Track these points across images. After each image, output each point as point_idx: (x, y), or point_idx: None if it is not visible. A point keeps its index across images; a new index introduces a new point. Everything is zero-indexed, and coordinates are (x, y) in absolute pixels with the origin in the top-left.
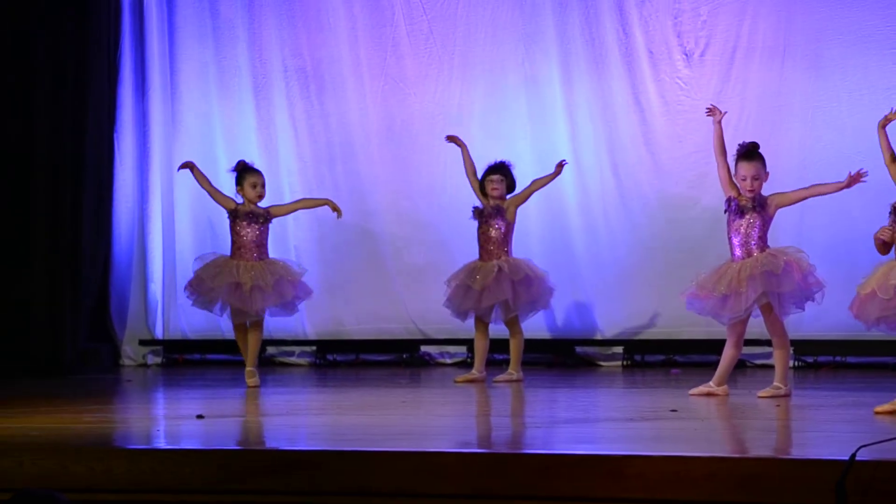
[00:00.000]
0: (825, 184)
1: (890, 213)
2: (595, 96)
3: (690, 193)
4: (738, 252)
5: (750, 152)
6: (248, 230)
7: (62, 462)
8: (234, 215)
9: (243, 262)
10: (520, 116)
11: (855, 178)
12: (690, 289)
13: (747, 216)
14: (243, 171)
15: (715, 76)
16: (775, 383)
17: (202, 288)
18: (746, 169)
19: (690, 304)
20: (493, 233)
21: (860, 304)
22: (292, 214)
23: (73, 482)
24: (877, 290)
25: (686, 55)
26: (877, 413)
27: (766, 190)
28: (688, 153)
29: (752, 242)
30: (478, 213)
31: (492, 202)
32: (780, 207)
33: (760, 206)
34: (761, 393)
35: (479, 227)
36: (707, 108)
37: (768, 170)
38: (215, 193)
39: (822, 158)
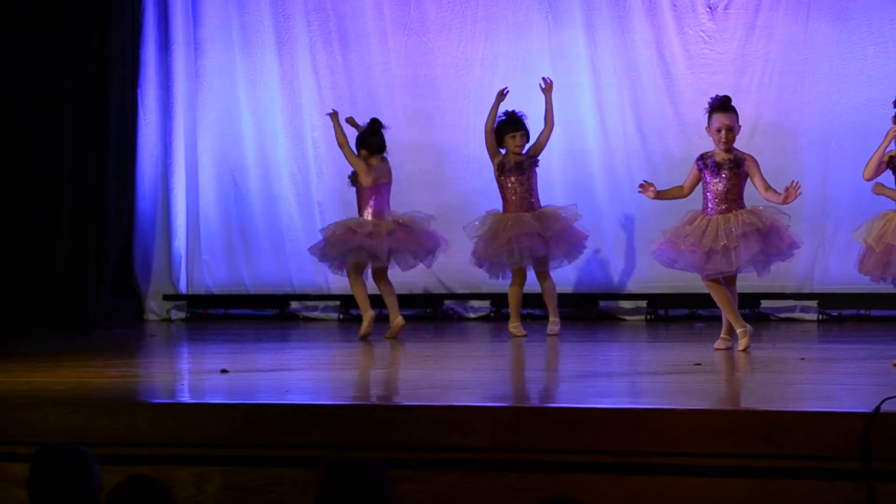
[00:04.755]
0: (775, 192)
1: None
2: (618, 50)
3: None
4: (710, 206)
5: (726, 103)
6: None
7: (87, 416)
8: (352, 179)
9: (365, 220)
10: (543, 70)
11: (790, 195)
12: (661, 243)
13: (724, 174)
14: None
15: (739, 29)
16: (724, 335)
17: (331, 254)
18: (722, 119)
19: (661, 257)
20: (527, 186)
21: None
22: (315, 170)
23: (97, 436)
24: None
25: (710, 8)
26: None
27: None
28: None
29: (730, 199)
30: (510, 167)
31: (514, 158)
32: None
33: (736, 165)
34: (717, 345)
35: (509, 180)
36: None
37: (794, 124)
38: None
39: (847, 111)
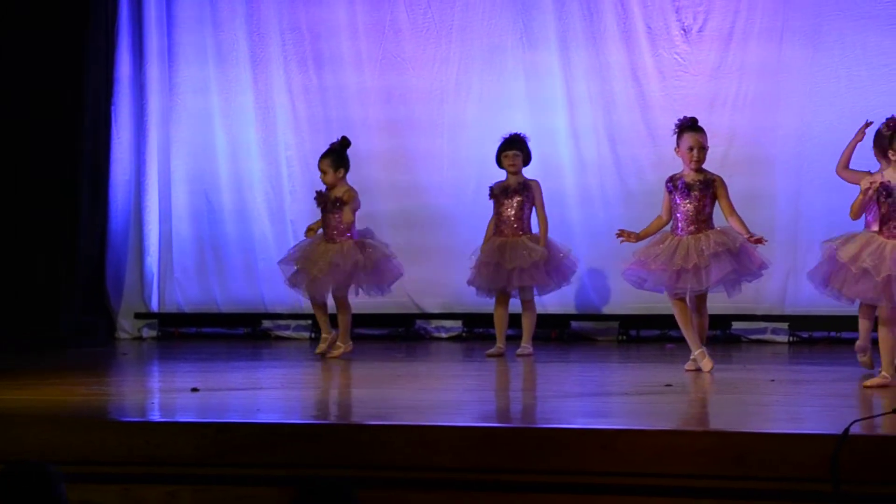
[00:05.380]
0: (741, 223)
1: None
2: (593, 71)
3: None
4: (680, 227)
5: (695, 123)
6: (327, 215)
7: (57, 434)
8: (316, 200)
9: (323, 244)
10: (518, 91)
11: (757, 241)
12: (631, 264)
13: (694, 194)
14: None
15: (713, 52)
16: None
17: (287, 267)
18: (694, 139)
19: (631, 277)
20: (517, 209)
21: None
22: (288, 188)
23: (67, 454)
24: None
25: (684, 30)
26: (866, 387)
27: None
28: None
29: (700, 220)
30: (499, 190)
31: (510, 178)
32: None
33: (706, 186)
34: (688, 366)
35: (502, 204)
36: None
37: (767, 147)
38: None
39: (820, 135)
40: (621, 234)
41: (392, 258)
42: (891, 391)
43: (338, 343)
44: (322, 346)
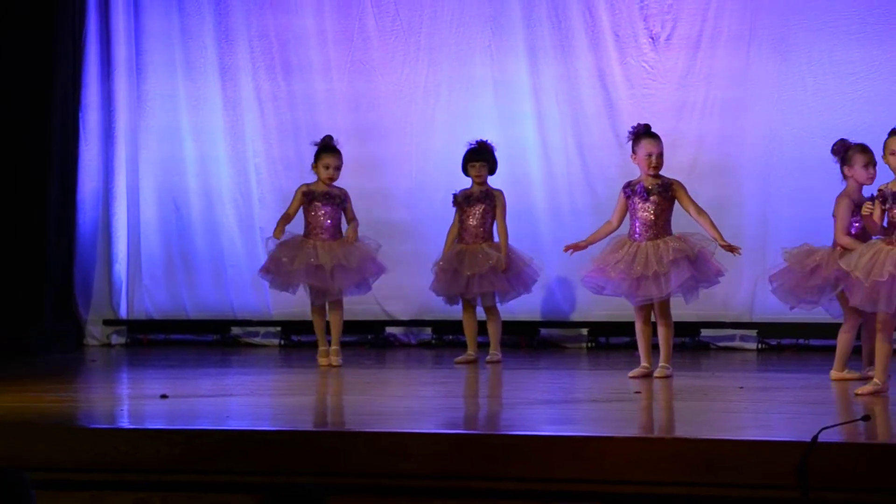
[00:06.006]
0: (711, 225)
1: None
2: (561, 79)
3: None
4: (638, 233)
5: (649, 129)
6: (324, 210)
7: (25, 441)
8: (310, 196)
9: (320, 241)
10: (486, 98)
11: (730, 248)
12: (590, 270)
13: (653, 199)
14: (322, 149)
15: (681, 59)
16: (662, 363)
17: (280, 270)
18: (652, 146)
19: (590, 283)
20: (480, 218)
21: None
22: (257, 196)
23: (35, 461)
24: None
25: (652, 38)
26: (857, 395)
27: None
28: None
29: (659, 225)
30: (463, 198)
31: (475, 187)
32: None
33: (665, 190)
34: (657, 374)
35: (465, 212)
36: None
37: (735, 155)
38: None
39: (788, 142)
40: (568, 248)
41: (377, 255)
42: (869, 399)
43: (336, 349)
44: (328, 360)
